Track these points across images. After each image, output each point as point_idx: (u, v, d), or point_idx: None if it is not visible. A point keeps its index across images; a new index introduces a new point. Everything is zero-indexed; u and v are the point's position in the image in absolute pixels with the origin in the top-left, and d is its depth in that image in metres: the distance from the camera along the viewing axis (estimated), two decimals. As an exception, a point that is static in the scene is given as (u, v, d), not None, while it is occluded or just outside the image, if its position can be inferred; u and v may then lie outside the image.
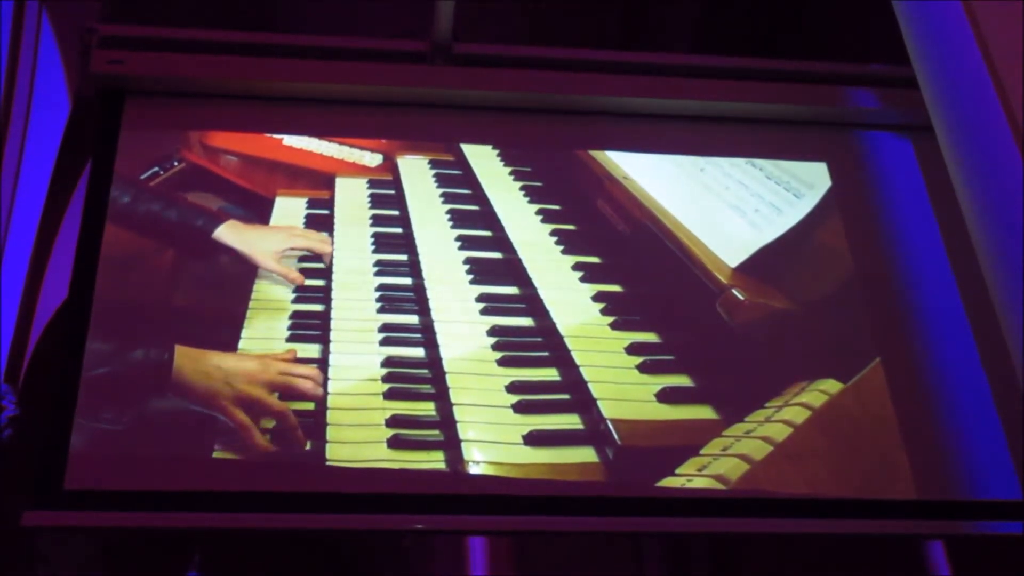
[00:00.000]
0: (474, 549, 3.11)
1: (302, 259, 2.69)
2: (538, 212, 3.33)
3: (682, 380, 3.13)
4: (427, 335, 2.76)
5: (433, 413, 2.81)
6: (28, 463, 2.82)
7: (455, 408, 2.76)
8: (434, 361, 2.79)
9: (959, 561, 3.25)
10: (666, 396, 3.06)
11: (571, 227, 3.36)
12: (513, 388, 2.88)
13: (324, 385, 2.59)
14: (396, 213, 3.07)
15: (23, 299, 3.11)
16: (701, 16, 4.34)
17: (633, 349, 3.11)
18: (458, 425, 2.75)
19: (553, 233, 3.31)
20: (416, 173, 3.20)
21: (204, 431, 2.94)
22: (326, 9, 3.94)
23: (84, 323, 3.06)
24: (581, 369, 2.95)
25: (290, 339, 2.64)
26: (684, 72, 3.80)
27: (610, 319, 3.17)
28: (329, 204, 2.98)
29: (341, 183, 3.07)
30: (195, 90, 3.59)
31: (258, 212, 2.90)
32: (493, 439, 2.81)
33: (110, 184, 3.33)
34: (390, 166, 3.31)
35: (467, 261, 3.05)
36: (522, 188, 3.32)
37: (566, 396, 2.95)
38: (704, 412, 3.08)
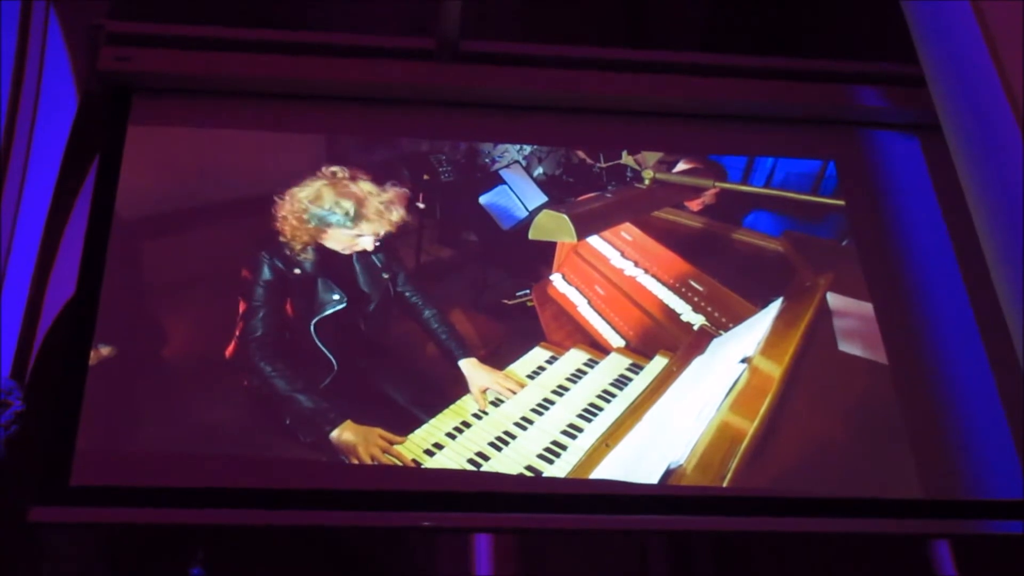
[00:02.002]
0: (479, 546, 3.11)
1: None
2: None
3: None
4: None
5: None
6: (35, 459, 2.82)
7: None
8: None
9: (965, 561, 3.24)
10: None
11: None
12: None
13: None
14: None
15: (30, 295, 3.11)
16: (708, 14, 4.33)
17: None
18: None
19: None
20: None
21: (210, 429, 2.97)
22: (333, 6, 3.93)
23: (91, 320, 3.07)
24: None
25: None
26: (691, 70, 3.79)
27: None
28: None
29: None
30: (202, 87, 3.59)
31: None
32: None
33: (117, 180, 3.35)
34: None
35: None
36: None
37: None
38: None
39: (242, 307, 3.16)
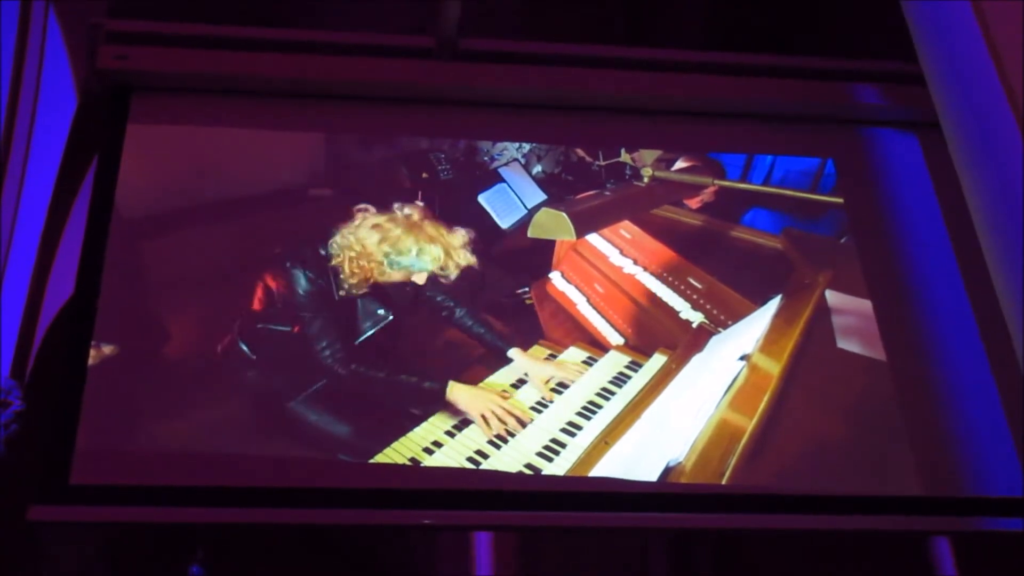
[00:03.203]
0: (479, 545, 3.11)
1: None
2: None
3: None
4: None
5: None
6: (34, 458, 2.82)
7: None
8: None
9: (965, 557, 3.24)
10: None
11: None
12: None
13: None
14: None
15: (29, 294, 3.12)
16: (707, 12, 4.33)
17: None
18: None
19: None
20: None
21: (210, 427, 2.97)
22: (332, 5, 3.93)
23: (90, 318, 3.07)
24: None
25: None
26: (690, 68, 3.79)
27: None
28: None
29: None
30: (202, 86, 3.59)
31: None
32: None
33: (116, 180, 3.35)
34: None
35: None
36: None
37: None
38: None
39: (296, 328, 3.18)
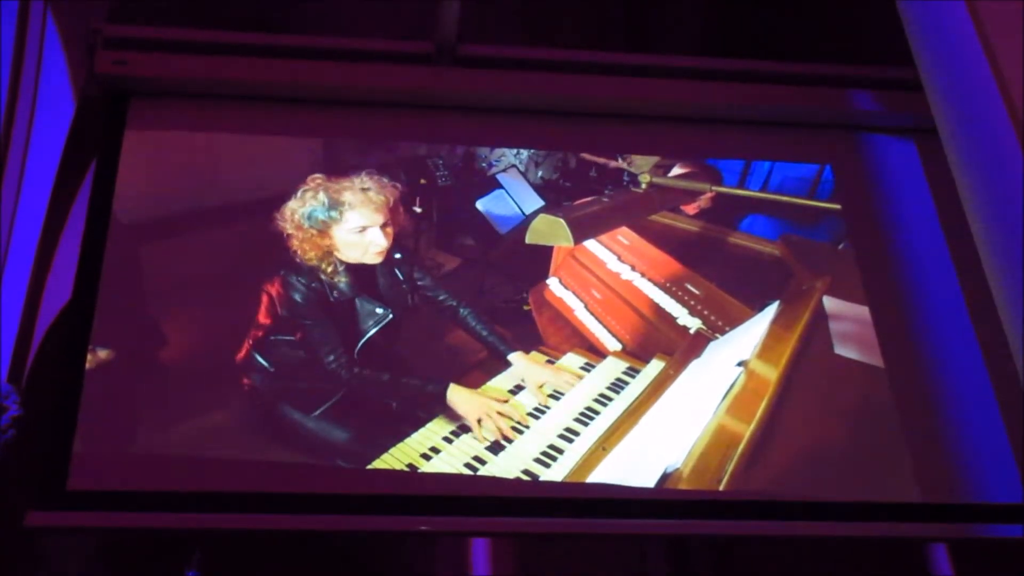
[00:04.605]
0: (476, 551, 3.11)
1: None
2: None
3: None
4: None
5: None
6: (31, 464, 2.82)
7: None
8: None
9: (963, 564, 3.24)
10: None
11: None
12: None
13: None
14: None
15: (27, 299, 3.11)
16: (705, 19, 4.33)
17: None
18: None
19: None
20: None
21: (207, 432, 2.97)
22: (331, 10, 3.93)
23: (87, 324, 3.07)
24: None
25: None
26: (688, 75, 3.79)
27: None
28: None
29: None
30: (200, 91, 3.59)
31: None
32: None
33: (114, 184, 3.35)
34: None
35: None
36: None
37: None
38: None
39: (298, 336, 3.17)
